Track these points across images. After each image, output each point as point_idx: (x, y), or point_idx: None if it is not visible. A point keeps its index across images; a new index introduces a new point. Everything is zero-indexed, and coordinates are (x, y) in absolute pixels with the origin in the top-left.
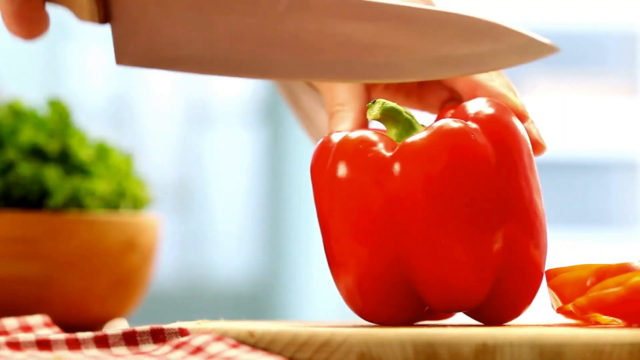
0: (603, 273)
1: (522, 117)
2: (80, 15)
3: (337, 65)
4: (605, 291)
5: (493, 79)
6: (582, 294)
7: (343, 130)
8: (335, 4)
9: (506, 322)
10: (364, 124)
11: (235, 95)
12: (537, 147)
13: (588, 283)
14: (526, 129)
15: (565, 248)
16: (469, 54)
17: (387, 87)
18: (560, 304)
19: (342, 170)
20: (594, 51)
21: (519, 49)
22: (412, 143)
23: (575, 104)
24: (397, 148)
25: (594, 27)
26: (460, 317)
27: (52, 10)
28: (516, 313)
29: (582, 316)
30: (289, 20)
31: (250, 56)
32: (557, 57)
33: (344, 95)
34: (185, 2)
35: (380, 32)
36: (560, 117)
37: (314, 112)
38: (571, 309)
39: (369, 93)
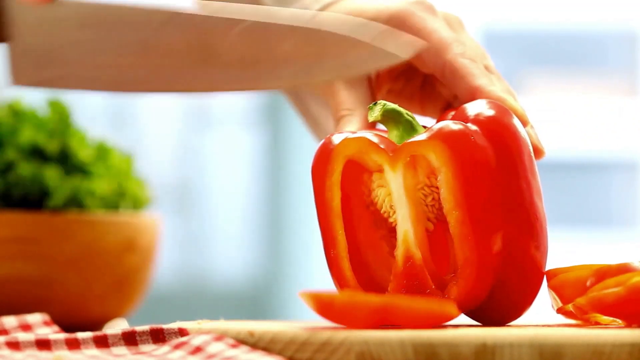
0: (603, 273)
1: (522, 122)
2: None
3: (211, 77)
4: (605, 291)
5: (493, 84)
6: (582, 294)
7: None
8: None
9: (506, 323)
10: (370, 128)
11: (235, 95)
12: (537, 151)
13: (588, 283)
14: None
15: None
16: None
17: (390, 91)
18: (561, 304)
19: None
20: (594, 51)
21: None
22: (413, 144)
23: (575, 104)
24: (397, 149)
25: (594, 27)
26: (460, 318)
27: None
28: (517, 314)
29: (582, 316)
30: (166, 33)
31: (139, 71)
32: (557, 57)
33: (349, 101)
34: (75, 20)
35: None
36: (560, 117)
37: (322, 117)
38: (571, 309)
39: (374, 98)
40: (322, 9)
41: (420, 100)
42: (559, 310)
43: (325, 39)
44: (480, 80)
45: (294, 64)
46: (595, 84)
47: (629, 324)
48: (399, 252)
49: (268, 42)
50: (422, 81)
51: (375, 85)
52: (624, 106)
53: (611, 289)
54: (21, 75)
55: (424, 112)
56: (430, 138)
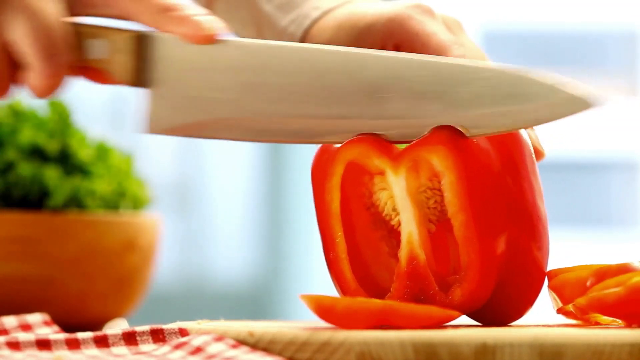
0: (603, 273)
1: None
2: (118, 77)
3: (375, 126)
4: (605, 292)
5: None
6: (582, 294)
7: None
8: (386, 62)
9: (508, 323)
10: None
11: None
12: (537, 153)
13: (588, 283)
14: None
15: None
16: (499, 113)
17: None
18: (561, 305)
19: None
20: (594, 51)
21: (553, 105)
22: (415, 149)
23: None
24: (400, 153)
25: (594, 27)
26: (460, 318)
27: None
28: (518, 314)
29: (582, 316)
30: (336, 76)
31: (292, 118)
32: (557, 57)
33: None
34: (225, 64)
35: (408, 90)
36: None
37: None
38: (571, 309)
39: None
40: (322, 15)
41: None
42: (559, 311)
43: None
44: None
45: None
46: (595, 84)
47: (629, 324)
48: (403, 253)
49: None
50: None
51: None
52: (624, 106)
53: (611, 289)
54: (158, 123)
55: None
56: (432, 142)
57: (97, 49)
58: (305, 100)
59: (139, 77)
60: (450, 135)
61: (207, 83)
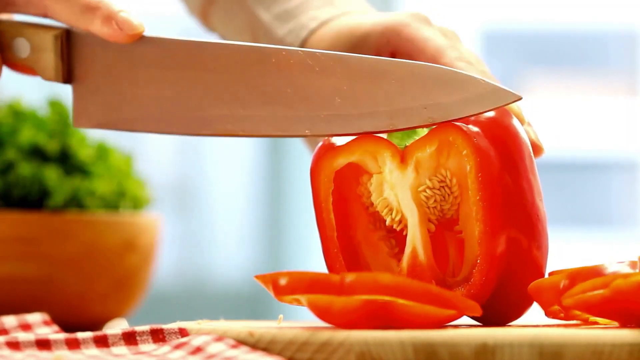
0: (575, 276)
1: (520, 121)
2: (43, 75)
3: (307, 119)
4: (591, 293)
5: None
6: (557, 297)
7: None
8: (307, 58)
9: (507, 323)
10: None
11: None
12: (536, 149)
13: (561, 286)
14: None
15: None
16: (437, 104)
17: None
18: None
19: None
20: (594, 51)
21: (483, 97)
22: (417, 147)
23: (575, 103)
24: (404, 152)
25: (594, 27)
26: (460, 318)
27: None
28: (517, 314)
29: (568, 316)
30: (254, 75)
31: (219, 112)
32: (557, 57)
33: None
34: (151, 59)
35: (351, 85)
36: (561, 117)
37: None
38: (558, 309)
39: None
40: (320, 25)
41: None
42: (547, 314)
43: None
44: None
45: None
46: (595, 84)
47: (623, 324)
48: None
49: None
50: None
51: None
52: (624, 106)
53: (597, 290)
54: (84, 118)
55: None
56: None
57: (21, 48)
58: (227, 97)
59: (64, 74)
60: (460, 128)
61: (130, 79)
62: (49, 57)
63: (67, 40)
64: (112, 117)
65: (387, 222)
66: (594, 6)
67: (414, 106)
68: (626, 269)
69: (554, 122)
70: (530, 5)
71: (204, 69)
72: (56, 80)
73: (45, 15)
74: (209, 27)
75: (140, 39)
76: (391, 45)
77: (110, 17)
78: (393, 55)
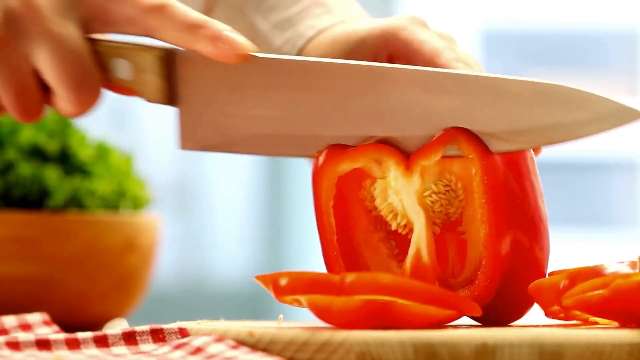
0: (575, 276)
1: None
2: (146, 97)
3: (423, 140)
4: (591, 293)
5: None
6: (557, 297)
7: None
8: (422, 77)
9: (508, 323)
10: None
11: None
12: (536, 148)
13: (561, 286)
14: None
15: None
16: (558, 123)
17: None
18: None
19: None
20: (594, 51)
21: (606, 116)
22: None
23: None
24: (412, 157)
25: (594, 27)
26: (461, 318)
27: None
28: (518, 315)
29: (568, 316)
30: (368, 95)
31: (329, 133)
32: (557, 57)
33: None
34: (260, 80)
35: (468, 103)
36: None
37: None
38: (557, 309)
39: None
40: (317, 34)
41: None
42: (547, 314)
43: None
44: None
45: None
46: (595, 84)
47: (623, 324)
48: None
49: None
50: None
51: None
52: None
53: (597, 290)
54: (190, 140)
55: None
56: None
57: (122, 70)
58: (333, 117)
59: (168, 96)
60: (466, 130)
61: (236, 100)
62: (152, 79)
63: (171, 61)
64: (218, 140)
65: (393, 227)
66: (594, 6)
67: (534, 126)
68: (626, 269)
69: None
70: (530, 5)
71: (314, 89)
72: (161, 102)
73: (148, 35)
74: None
75: (249, 59)
76: (389, 48)
77: (216, 36)
78: (390, 59)
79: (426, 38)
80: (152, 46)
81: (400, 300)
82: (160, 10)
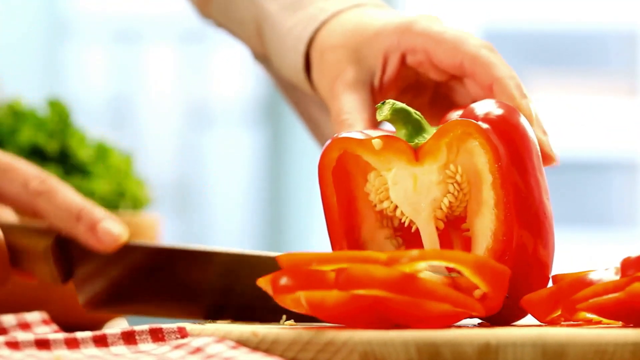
0: (564, 289)
1: (530, 121)
2: (44, 278)
3: None
4: (606, 297)
5: (513, 76)
6: (551, 310)
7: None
8: None
9: (511, 322)
10: (374, 129)
11: (235, 94)
12: (548, 159)
13: (553, 299)
14: (538, 140)
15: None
16: None
17: (398, 98)
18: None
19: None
20: (594, 51)
21: None
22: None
23: (576, 103)
24: (421, 149)
25: (594, 27)
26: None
27: (51, 17)
28: (522, 314)
29: (569, 320)
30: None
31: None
32: (557, 57)
33: (350, 105)
34: (134, 264)
35: None
36: (561, 117)
37: (323, 121)
38: (557, 316)
39: (375, 102)
40: (330, 17)
41: (430, 118)
42: (547, 323)
43: None
44: (502, 71)
45: None
46: (595, 84)
47: (628, 324)
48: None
49: None
50: (431, 97)
51: (378, 94)
52: (624, 106)
53: (611, 294)
54: (90, 306)
55: (432, 124)
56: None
57: (20, 260)
58: (203, 299)
59: (62, 278)
60: (472, 121)
61: (117, 279)
62: (46, 267)
63: (61, 247)
64: (113, 308)
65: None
66: (594, 6)
67: None
68: (612, 276)
69: (554, 122)
70: (531, 5)
71: (187, 275)
72: (56, 283)
73: (35, 216)
74: (207, 16)
75: (125, 246)
76: (403, 44)
77: (93, 226)
78: (404, 58)
79: (444, 29)
80: (47, 233)
81: (392, 295)
82: (43, 194)
